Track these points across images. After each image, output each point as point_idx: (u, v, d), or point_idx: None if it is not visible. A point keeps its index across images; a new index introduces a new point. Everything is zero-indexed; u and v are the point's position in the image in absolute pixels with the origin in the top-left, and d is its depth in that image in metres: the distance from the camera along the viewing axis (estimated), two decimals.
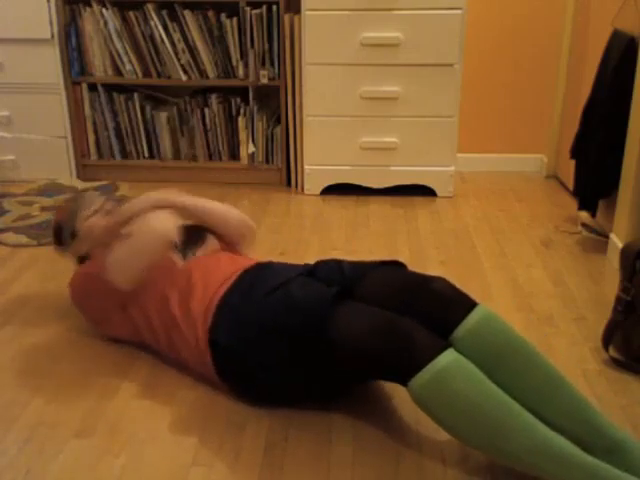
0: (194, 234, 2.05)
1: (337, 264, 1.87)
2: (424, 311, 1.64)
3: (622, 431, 1.50)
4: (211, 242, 2.06)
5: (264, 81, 3.26)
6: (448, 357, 1.46)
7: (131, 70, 3.31)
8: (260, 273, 1.85)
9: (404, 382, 1.50)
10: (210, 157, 3.42)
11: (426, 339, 1.50)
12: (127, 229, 1.91)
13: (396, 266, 1.84)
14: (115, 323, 1.98)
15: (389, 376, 1.56)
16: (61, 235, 2.12)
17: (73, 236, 2.09)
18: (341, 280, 1.79)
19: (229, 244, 2.12)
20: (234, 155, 3.41)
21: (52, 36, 3.20)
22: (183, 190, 3.30)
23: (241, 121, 3.32)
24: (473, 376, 1.45)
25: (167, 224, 1.86)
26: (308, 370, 1.64)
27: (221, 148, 3.40)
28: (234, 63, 3.28)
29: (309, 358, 1.62)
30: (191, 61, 3.27)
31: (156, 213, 1.91)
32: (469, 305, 1.64)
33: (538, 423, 1.42)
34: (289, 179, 3.39)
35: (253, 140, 3.35)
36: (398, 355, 1.49)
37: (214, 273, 1.86)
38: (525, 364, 1.56)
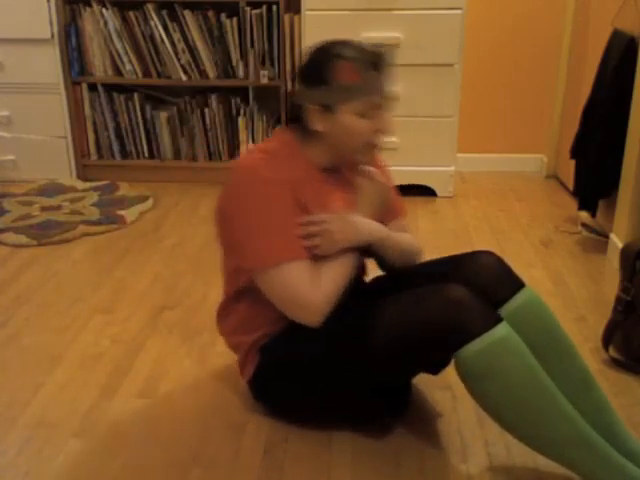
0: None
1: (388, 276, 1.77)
2: (471, 284, 1.52)
3: (637, 443, 1.50)
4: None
5: (264, 81, 3.26)
6: (503, 330, 1.41)
7: (131, 70, 3.31)
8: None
9: (453, 350, 1.41)
10: (210, 157, 3.42)
11: (481, 307, 1.44)
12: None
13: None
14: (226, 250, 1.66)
15: (435, 349, 1.46)
16: (317, 83, 1.52)
17: (325, 104, 1.52)
18: (391, 286, 1.70)
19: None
20: (234, 155, 3.41)
21: (52, 36, 3.20)
22: (183, 188, 3.29)
23: (241, 121, 3.32)
24: (525, 355, 1.41)
25: (321, 318, 1.54)
26: (356, 385, 1.56)
27: (221, 148, 3.40)
28: (234, 63, 3.28)
29: (357, 373, 1.53)
30: (191, 61, 3.27)
31: (333, 280, 1.56)
32: (517, 285, 1.59)
33: (577, 413, 1.41)
34: None
35: (253, 140, 3.35)
36: (451, 321, 1.42)
37: None
38: (561, 355, 1.54)
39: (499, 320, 1.43)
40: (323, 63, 1.51)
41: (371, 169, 1.65)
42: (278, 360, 1.64)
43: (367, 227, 1.59)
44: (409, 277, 1.70)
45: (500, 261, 1.63)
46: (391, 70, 1.55)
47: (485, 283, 1.56)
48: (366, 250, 1.64)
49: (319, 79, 1.51)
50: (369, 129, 1.54)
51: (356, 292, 1.67)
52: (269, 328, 1.65)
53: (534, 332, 1.53)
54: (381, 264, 1.74)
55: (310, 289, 1.51)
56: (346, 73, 1.49)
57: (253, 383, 1.71)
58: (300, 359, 1.60)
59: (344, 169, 1.66)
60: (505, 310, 1.55)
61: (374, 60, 1.51)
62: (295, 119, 1.59)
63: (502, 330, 1.41)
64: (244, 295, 1.66)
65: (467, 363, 1.41)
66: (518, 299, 1.56)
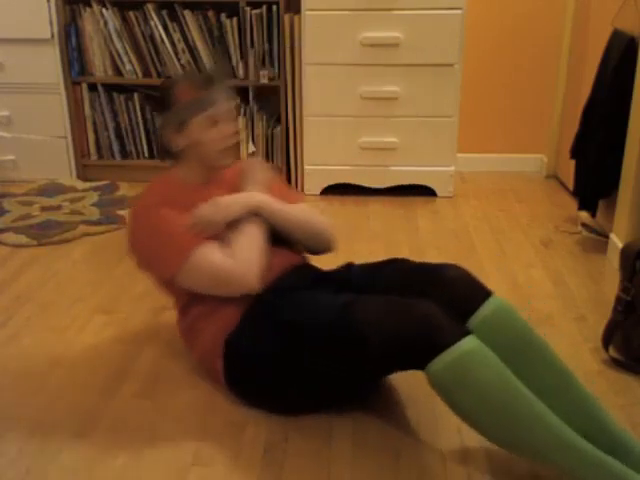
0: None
1: (346, 269, 1.87)
2: (439, 299, 1.59)
3: (628, 432, 1.51)
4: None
5: (264, 81, 3.26)
6: (471, 342, 1.45)
7: (131, 70, 3.31)
8: (286, 284, 1.77)
9: (423, 365, 1.47)
10: None
11: (448, 322, 1.48)
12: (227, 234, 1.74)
13: (403, 261, 1.83)
14: (154, 274, 1.84)
15: (407, 361, 1.52)
16: (162, 108, 1.80)
17: (176, 127, 1.77)
18: (351, 283, 1.78)
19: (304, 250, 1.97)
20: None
21: (52, 36, 3.20)
22: None
23: (241, 121, 3.32)
24: (494, 364, 1.44)
25: (255, 281, 1.70)
26: (324, 375, 1.62)
27: None
28: (234, 63, 3.28)
29: (332, 362, 1.59)
30: (191, 61, 3.27)
31: (247, 250, 1.71)
32: (484, 294, 1.63)
33: (553, 415, 1.42)
34: (289, 179, 3.39)
35: (253, 140, 3.35)
36: (418, 336, 1.46)
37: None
38: (537, 357, 1.56)
39: (467, 333, 1.48)
40: (166, 91, 1.78)
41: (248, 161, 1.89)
42: (244, 359, 1.70)
43: (237, 197, 1.77)
44: (378, 277, 1.78)
45: (466, 273, 1.69)
46: (224, 86, 1.81)
47: (452, 296, 1.62)
48: (280, 235, 1.82)
49: (166, 104, 1.77)
50: (218, 136, 1.77)
51: (314, 278, 1.80)
52: (226, 324, 1.73)
53: (505, 339, 1.57)
54: (300, 246, 1.90)
55: (225, 260, 1.68)
56: (184, 94, 1.75)
57: (230, 383, 1.75)
58: (266, 354, 1.66)
59: (219, 178, 1.86)
60: (474, 321, 1.60)
61: (205, 80, 1.78)
62: (164, 151, 1.85)
63: (469, 342, 1.45)
64: (191, 305, 1.80)
65: (437, 376, 1.46)
66: (486, 309, 1.61)
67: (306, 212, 1.88)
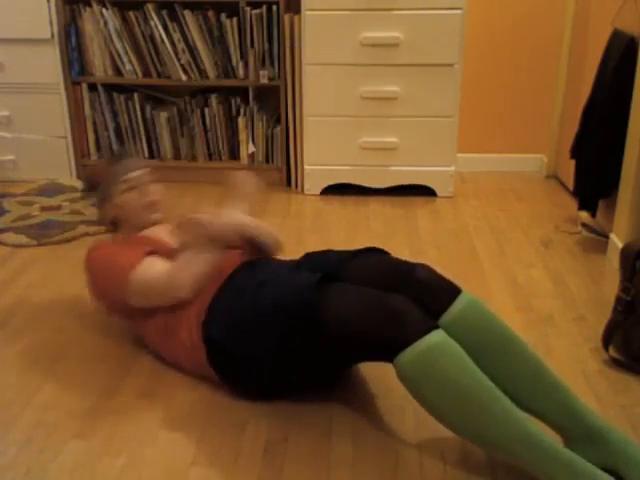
0: None
1: (323, 254, 1.89)
2: (408, 297, 1.62)
3: (602, 419, 1.52)
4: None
5: (264, 81, 3.26)
6: (437, 336, 1.47)
7: (131, 70, 3.31)
8: (249, 269, 1.85)
9: (391, 358, 1.50)
10: (210, 157, 3.42)
11: (416, 316, 1.51)
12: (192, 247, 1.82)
13: (379, 253, 1.85)
14: (118, 308, 1.95)
15: (377, 353, 1.55)
16: (92, 190, 2.12)
17: (103, 200, 2.07)
18: (327, 268, 1.80)
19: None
20: (234, 155, 3.41)
21: (52, 36, 3.20)
22: (183, 188, 3.29)
23: (241, 121, 3.32)
24: (460, 358, 1.46)
25: (186, 285, 1.80)
26: (300, 357, 1.65)
27: (221, 148, 3.40)
28: (234, 63, 3.28)
29: (301, 344, 1.62)
30: (191, 61, 3.27)
31: (186, 261, 1.81)
32: (453, 292, 1.66)
33: (519, 411, 1.43)
34: (289, 179, 3.39)
35: (253, 140, 3.35)
36: (387, 329, 1.50)
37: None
38: (507, 350, 1.58)
39: (434, 327, 1.49)
40: (90, 178, 2.15)
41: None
42: (222, 337, 1.73)
43: (234, 219, 1.90)
44: (351, 266, 1.80)
45: (433, 272, 1.72)
46: (132, 159, 2.09)
47: (421, 296, 1.65)
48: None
49: (93, 188, 2.10)
50: (137, 197, 2.03)
51: (278, 264, 1.88)
52: (197, 323, 1.78)
53: (476, 334, 1.60)
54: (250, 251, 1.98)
55: (163, 266, 1.83)
56: (101, 173, 2.09)
57: (220, 373, 1.78)
58: (238, 343, 1.70)
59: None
60: (445, 318, 1.62)
61: (115, 157, 2.11)
62: (102, 224, 2.17)
63: (437, 336, 1.47)
64: (162, 324, 1.87)
65: (403, 369, 1.48)
66: (456, 306, 1.63)
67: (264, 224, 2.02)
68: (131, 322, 1.99)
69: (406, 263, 1.76)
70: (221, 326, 1.73)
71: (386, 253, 1.86)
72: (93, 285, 1.96)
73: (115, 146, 3.42)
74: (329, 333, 1.58)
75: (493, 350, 1.58)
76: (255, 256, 1.97)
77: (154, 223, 2.07)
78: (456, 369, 1.44)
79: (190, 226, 1.81)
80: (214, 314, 1.76)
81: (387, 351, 1.50)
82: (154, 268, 1.83)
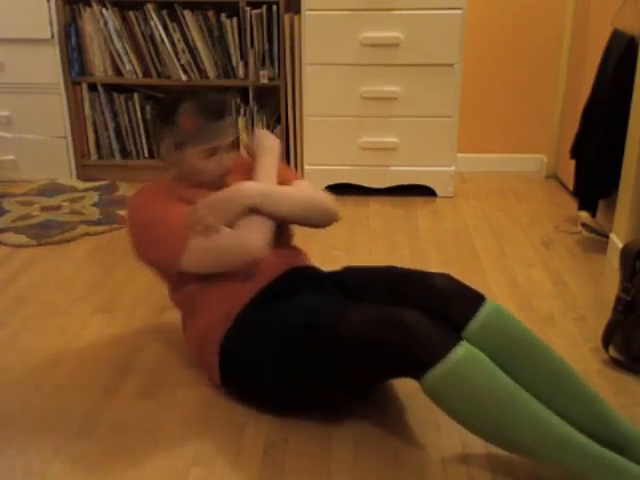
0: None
1: (343, 271, 1.86)
2: (430, 309, 1.60)
3: (634, 428, 1.50)
4: (287, 232, 1.93)
5: (264, 81, 3.26)
6: (462, 350, 1.45)
7: (131, 70, 3.31)
8: (288, 284, 1.78)
9: (417, 377, 1.47)
10: None
11: (437, 332, 1.48)
12: (221, 228, 1.70)
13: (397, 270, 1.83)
14: (160, 265, 1.83)
15: (401, 372, 1.53)
16: (165, 123, 1.76)
17: (176, 145, 1.76)
18: (345, 286, 1.78)
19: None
20: None
21: (52, 36, 3.20)
22: None
23: (241, 121, 3.32)
24: (487, 369, 1.44)
25: (260, 244, 1.69)
26: (327, 377, 1.61)
27: None
28: (234, 63, 3.28)
29: (324, 365, 1.59)
30: (191, 61, 3.27)
31: (251, 225, 1.71)
32: (477, 301, 1.63)
33: (551, 415, 1.42)
34: None
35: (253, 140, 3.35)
36: (409, 349, 1.46)
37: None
38: (535, 357, 1.56)
39: (457, 340, 1.47)
40: (172, 107, 1.73)
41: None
42: (238, 358, 1.70)
43: (232, 196, 1.71)
44: (370, 284, 1.77)
45: (455, 282, 1.69)
46: (230, 119, 1.75)
47: (444, 307, 1.62)
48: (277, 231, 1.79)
49: (169, 120, 1.74)
50: (211, 169, 1.75)
51: (311, 280, 1.80)
52: (222, 323, 1.73)
53: (503, 342, 1.57)
54: (302, 224, 1.86)
55: (228, 233, 1.68)
56: (187, 121, 1.71)
57: (225, 382, 1.76)
58: (263, 354, 1.66)
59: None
60: (469, 329, 1.59)
61: (213, 110, 1.72)
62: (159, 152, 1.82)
63: (462, 350, 1.45)
64: (189, 301, 1.80)
65: (432, 388, 1.46)
66: (480, 315, 1.60)
67: (307, 191, 1.85)
68: (164, 282, 1.89)
69: (425, 273, 1.74)
70: (245, 339, 1.69)
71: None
72: (135, 239, 1.79)
73: (115, 146, 3.41)
74: (348, 353, 1.55)
75: (521, 358, 1.56)
76: (310, 226, 1.87)
77: (209, 189, 1.79)
78: (485, 379, 1.43)
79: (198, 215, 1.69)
80: (243, 324, 1.71)
81: (413, 370, 1.48)
82: (218, 234, 1.68)
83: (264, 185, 1.77)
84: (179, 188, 1.80)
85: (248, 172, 1.83)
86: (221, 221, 1.69)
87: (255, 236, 1.68)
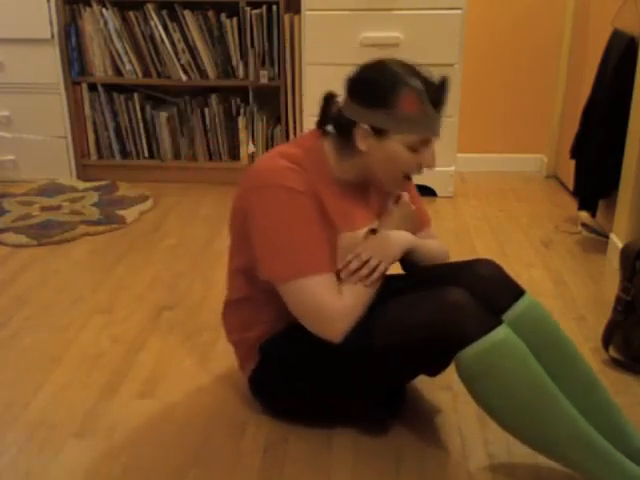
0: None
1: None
2: (471, 293, 1.53)
3: None
4: None
5: (264, 81, 3.26)
6: (503, 332, 1.43)
7: (131, 70, 3.31)
8: None
9: (451, 354, 1.43)
10: (210, 157, 3.42)
11: (479, 311, 1.46)
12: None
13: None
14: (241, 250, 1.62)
15: (440, 351, 1.47)
16: (377, 104, 1.48)
17: (380, 130, 1.49)
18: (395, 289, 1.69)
19: None
20: (234, 155, 3.41)
21: (52, 36, 3.20)
22: (183, 188, 3.29)
23: (241, 121, 3.32)
24: (525, 356, 1.43)
25: (342, 332, 1.50)
26: (359, 383, 1.57)
27: (221, 148, 3.40)
28: (234, 63, 3.28)
29: (366, 371, 1.54)
30: (191, 61, 3.27)
31: (355, 304, 1.51)
32: (517, 292, 1.60)
33: (579, 415, 1.41)
34: None
35: (253, 140, 3.35)
36: (451, 326, 1.44)
37: None
38: (565, 358, 1.55)
39: (499, 323, 1.45)
40: (388, 87, 1.46)
41: (403, 194, 1.66)
42: (279, 358, 1.64)
43: (399, 240, 1.58)
44: (409, 280, 1.71)
45: (499, 269, 1.65)
46: (445, 106, 1.54)
47: (484, 292, 1.57)
48: None
49: (380, 102, 1.47)
50: (413, 162, 1.52)
51: None
52: (271, 327, 1.65)
53: (535, 338, 1.54)
54: (404, 266, 1.74)
55: (331, 303, 1.47)
56: (410, 104, 1.45)
57: (253, 380, 1.71)
58: (300, 358, 1.60)
59: (370, 186, 1.65)
60: (506, 318, 1.56)
61: (437, 95, 1.50)
62: (339, 130, 1.56)
63: (502, 332, 1.43)
64: (248, 295, 1.66)
65: (467, 365, 1.43)
66: (518, 307, 1.57)
67: (440, 247, 1.76)
68: (236, 256, 1.66)
69: (468, 260, 1.69)
70: (294, 344, 1.61)
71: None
72: (252, 219, 1.51)
73: (115, 146, 3.41)
74: (395, 346, 1.49)
75: (551, 356, 1.54)
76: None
77: (384, 193, 1.65)
78: (519, 367, 1.41)
79: (369, 250, 1.53)
80: (294, 330, 1.59)
81: (448, 346, 1.44)
82: (325, 292, 1.47)
83: (413, 237, 1.63)
84: (327, 179, 1.56)
85: (385, 198, 1.66)
86: (386, 266, 1.54)
87: (347, 322, 1.49)
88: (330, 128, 1.59)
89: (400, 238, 1.59)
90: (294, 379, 1.62)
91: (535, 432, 1.42)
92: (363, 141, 1.50)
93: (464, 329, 1.43)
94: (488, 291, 1.58)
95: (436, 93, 1.50)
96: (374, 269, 1.52)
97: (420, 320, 1.47)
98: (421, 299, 1.51)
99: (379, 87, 1.48)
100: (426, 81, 1.48)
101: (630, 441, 1.49)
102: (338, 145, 1.56)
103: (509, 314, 1.57)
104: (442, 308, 1.46)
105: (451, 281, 1.59)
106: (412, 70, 1.50)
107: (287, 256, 1.48)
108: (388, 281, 1.64)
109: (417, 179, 3.33)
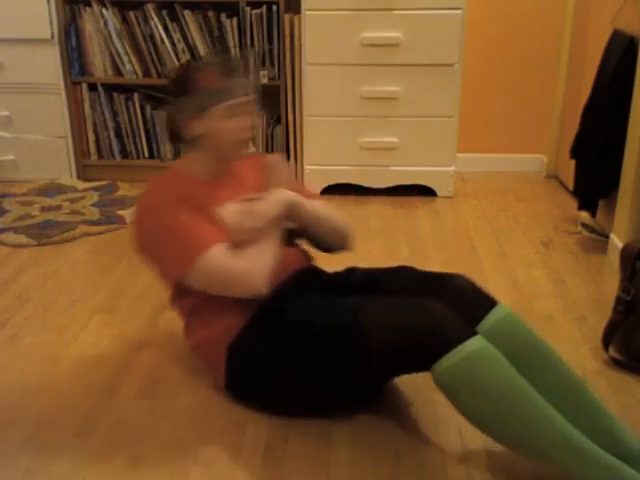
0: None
1: (349, 273, 1.85)
2: (446, 305, 1.58)
3: (635, 440, 1.49)
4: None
5: (264, 81, 3.26)
6: (478, 342, 1.45)
7: (131, 70, 3.31)
8: (296, 284, 1.77)
9: (428, 365, 1.47)
10: None
11: (455, 322, 1.49)
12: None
13: (409, 268, 1.82)
14: (161, 272, 1.78)
15: (416, 361, 1.51)
16: (179, 94, 1.71)
17: (193, 114, 1.69)
18: (356, 289, 1.77)
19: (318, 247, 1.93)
20: None
21: (52, 36, 3.20)
22: None
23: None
24: (500, 364, 1.44)
25: (263, 281, 1.63)
26: (337, 377, 1.62)
27: None
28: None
29: (343, 364, 1.58)
30: (191, 61, 3.27)
31: (261, 256, 1.65)
32: (489, 303, 1.63)
33: (560, 417, 1.42)
34: None
35: (253, 140, 3.35)
36: (426, 336, 1.46)
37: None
38: (543, 364, 1.56)
39: (474, 333, 1.48)
40: (187, 75, 1.71)
41: (266, 157, 1.82)
42: (251, 360, 1.68)
43: (276, 196, 1.70)
44: (383, 282, 1.76)
45: (471, 283, 1.69)
46: (248, 77, 1.74)
47: (458, 304, 1.61)
48: (295, 232, 1.82)
49: (186, 89, 1.69)
50: (237, 128, 1.70)
51: (319, 282, 1.78)
52: (230, 326, 1.71)
53: (512, 346, 1.56)
54: (316, 244, 1.87)
55: (235, 264, 1.63)
56: (208, 80, 1.67)
57: (230, 387, 1.75)
58: (276, 359, 1.65)
59: (239, 167, 1.84)
60: (480, 329, 1.59)
61: (231, 67, 1.70)
62: (176, 136, 1.78)
63: (476, 342, 1.45)
64: (186, 298, 1.77)
65: (443, 376, 1.46)
66: (491, 317, 1.60)
67: (328, 209, 1.84)
68: (168, 287, 1.84)
69: (441, 273, 1.74)
70: (256, 344, 1.67)
71: (414, 269, 1.81)
72: (143, 241, 1.74)
73: (115, 146, 3.41)
74: (370, 347, 1.54)
75: (529, 365, 1.54)
76: (323, 249, 1.88)
77: (234, 159, 1.81)
78: (497, 376, 1.42)
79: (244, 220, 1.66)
80: (253, 330, 1.69)
81: (426, 358, 1.47)
82: (224, 259, 1.63)
83: (295, 194, 1.73)
84: (194, 188, 1.74)
85: (260, 170, 1.79)
86: (264, 225, 1.66)
87: (260, 271, 1.62)
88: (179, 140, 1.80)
89: (278, 194, 1.70)
90: (271, 379, 1.66)
91: (518, 438, 1.43)
92: (191, 128, 1.71)
93: (441, 338, 1.46)
94: (462, 303, 1.62)
95: (228, 62, 1.71)
96: (250, 232, 1.66)
97: (400, 327, 1.51)
98: (401, 305, 1.55)
99: (181, 78, 1.72)
100: (219, 59, 1.72)
101: (620, 442, 1.48)
102: (188, 148, 1.79)
103: (483, 324, 1.60)
104: (422, 314, 1.50)
105: (425, 293, 1.64)
106: (210, 55, 1.78)
107: (178, 250, 1.66)
108: (355, 279, 1.77)
109: (417, 179, 3.33)
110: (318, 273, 1.87)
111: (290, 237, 1.83)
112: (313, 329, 1.62)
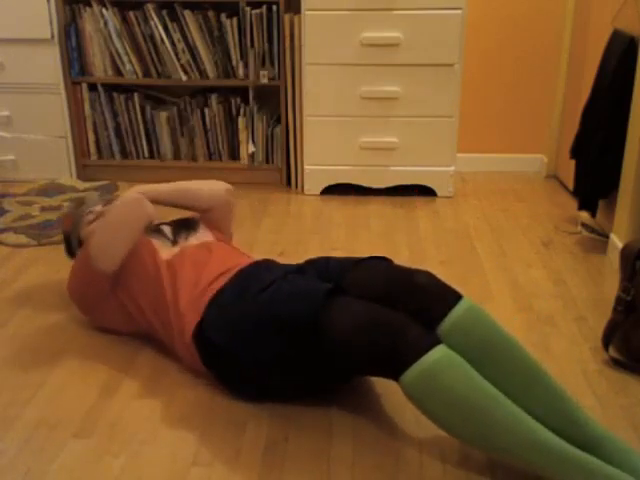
0: (184, 224, 2.12)
1: (324, 261, 1.89)
2: (409, 305, 1.66)
3: (603, 428, 1.51)
4: (203, 231, 2.10)
5: (264, 81, 3.26)
6: (438, 352, 1.47)
7: (131, 70, 3.31)
8: (254, 272, 1.85)
9: (395, 376, 1.51)
10: (210, 157, 3.42)
11: (415, 334, 1.51)
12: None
13: (381, 260, 1.85)
14: (107, 312, 2.02)
15: (381, 371, 1.56)
16: (70, 245, 2.18)
17: (80, 243, 2.13)
18: (329, 276, 1.80)
19: (212, 221, 2.17)
20: (234, 155, 3.41)
21: (52, 36, 3.20)
22: None
23: (241, 121, 3.32)
24: (462, 371, 1.46)
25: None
26: (304, 365, 1.65)
27: (221, 148, 3.40)
28: (234, 63, 3.28)
29: (304, 352, 1.62)
30: (191, 61, 3.27)
31: (126, 192, 2.05)
32: (453, 298, 1.66)
33: (525, 415, 1.43)
34: (289, 179, 3.39)
35: (253, 140, 3.35)
36: (387, 350, 1.50)
37: (206, 267, 1.88)
38: (506, 357, 1.58)
39: (436, 342, 1.50)
40: (66, 235, 2.21)
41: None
42: (221, 340, 1.72)
43: (126, 194, 2.06)
44: (349, 276, 1.79)
45: (434, 279, 1.72)
46: (90, 199, 2.23)
47: (421, 303, 1.65)
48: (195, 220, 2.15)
49: (67, 236, 2.20)
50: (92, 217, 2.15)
51: (289, 269, 1.84)
52: (190, 323, 1.79)
53: (475, 339, 1.60)
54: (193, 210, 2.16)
55: (82, 254, 2.01)
56: (67, 224, 2.19)
57: (211, 369, 1.80)
58: (236, 338, 1.71)
59: None
60: (444, 325, 1.62)
61: (76, 204, 2.22)
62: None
63: (438, 352, 1.47)
64: (159, 323, 1.92)
65: (408, 388, 1.49)
66: (455, 313, 1.63)
67: (183, 183, 2.15)
68: (126, 317, 2.01)
69: (406, 269, 1.76)
70: (221, 329, 1.73)
71: (388, 260, 1.85)
72: (74, 295, 2.07)
73: (115, 146, 3.42)
74: (327, 347, 1.59)
75: (492, 357, 1.58)
76: (209, 217, 2.15)
77: None
78: (460, 382, 1.44)
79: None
80: (214, 315, 1.76)
81: (391, 370, 1.51)
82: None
83: (143, 185, 2.08)
84: None
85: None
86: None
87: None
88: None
89: (127, 193, 2.05)
90: (234, 356, 1.71)
91: (485, 441, 1.43)
92: (76, 248, 2.17)
93: (401, 355, 1.49)
94: (424, 301, 1.66)
95: (74, 201, 2.35)
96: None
97: (363, 344, 1.54)
98: (361, 318, 1.57)
99: (65, 239, 2.23)
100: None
101: (582, 428, 1.50)
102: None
103: (446, 321, 1.62)
104: (382, 333, 1.52)
105: (391, 291, 1.70)
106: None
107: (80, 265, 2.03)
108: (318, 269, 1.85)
109: (417, 179, 3.33)
110: (276, 263, 1.96)
111: (195, 225, 2.11)
112: (274, 312, 1.66)
